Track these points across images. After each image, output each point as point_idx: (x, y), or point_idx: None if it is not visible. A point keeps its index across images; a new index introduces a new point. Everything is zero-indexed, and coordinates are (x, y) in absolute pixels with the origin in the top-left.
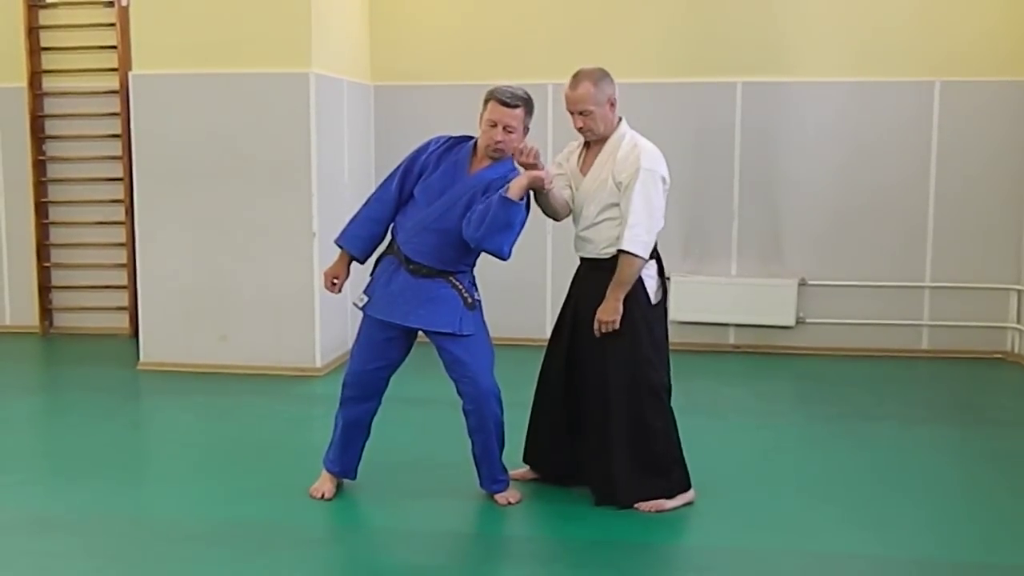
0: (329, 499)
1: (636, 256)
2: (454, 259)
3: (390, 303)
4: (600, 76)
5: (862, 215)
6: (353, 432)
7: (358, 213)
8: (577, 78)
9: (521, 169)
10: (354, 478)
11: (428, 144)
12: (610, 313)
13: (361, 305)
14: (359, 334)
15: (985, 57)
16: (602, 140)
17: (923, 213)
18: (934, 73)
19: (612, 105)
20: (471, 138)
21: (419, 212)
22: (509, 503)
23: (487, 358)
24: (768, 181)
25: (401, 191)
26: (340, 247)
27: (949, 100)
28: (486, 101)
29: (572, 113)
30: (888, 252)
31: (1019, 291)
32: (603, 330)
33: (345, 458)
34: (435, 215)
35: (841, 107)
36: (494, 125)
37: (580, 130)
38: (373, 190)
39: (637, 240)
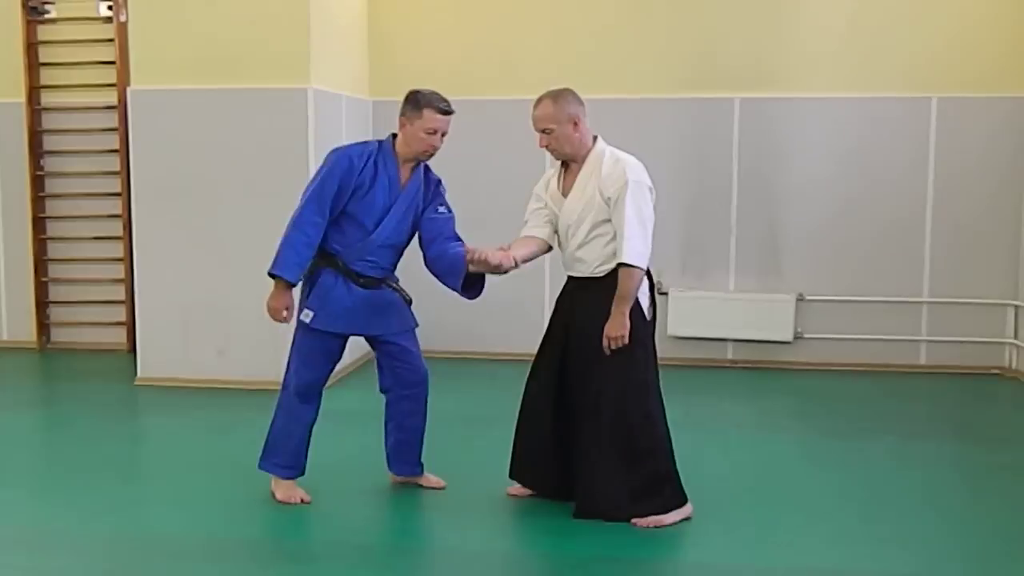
0: (309, 501)
1: (636, 268)
2: (395, 265)
3: (350, 317)
4: (561, 95)
5: (860, 230)
6: (309, 433)
7: (291, 238)
8: (540, 97)
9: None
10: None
11: (347, 160)
12: (618, 328)
13: (309, 320)
14: (303, 345)
15: (982, 73)
16: (578, 160)
17: (920, 228)
18: (931, 89)
19: (575, 124)
20: (377, 143)
21: (363, 231)
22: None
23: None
24: (766, 197)
25: (332, 211)
26: (280, 277)
27: (946, 116)
28: (418, 108)
29: (537, 132)
30: (886, 267)
31: (1016, 307)
32: (612, 346)
33: (302, 459)
34: (387, 233)
35: (838, 123)
36: (434, 132)
37: (546, 148)
38: (301, 208)
39: (635, 251)
